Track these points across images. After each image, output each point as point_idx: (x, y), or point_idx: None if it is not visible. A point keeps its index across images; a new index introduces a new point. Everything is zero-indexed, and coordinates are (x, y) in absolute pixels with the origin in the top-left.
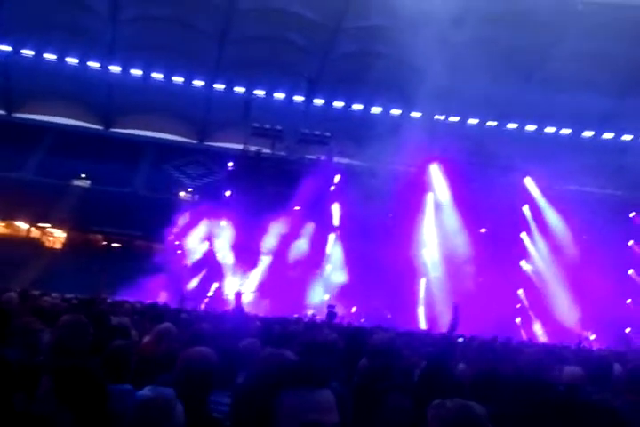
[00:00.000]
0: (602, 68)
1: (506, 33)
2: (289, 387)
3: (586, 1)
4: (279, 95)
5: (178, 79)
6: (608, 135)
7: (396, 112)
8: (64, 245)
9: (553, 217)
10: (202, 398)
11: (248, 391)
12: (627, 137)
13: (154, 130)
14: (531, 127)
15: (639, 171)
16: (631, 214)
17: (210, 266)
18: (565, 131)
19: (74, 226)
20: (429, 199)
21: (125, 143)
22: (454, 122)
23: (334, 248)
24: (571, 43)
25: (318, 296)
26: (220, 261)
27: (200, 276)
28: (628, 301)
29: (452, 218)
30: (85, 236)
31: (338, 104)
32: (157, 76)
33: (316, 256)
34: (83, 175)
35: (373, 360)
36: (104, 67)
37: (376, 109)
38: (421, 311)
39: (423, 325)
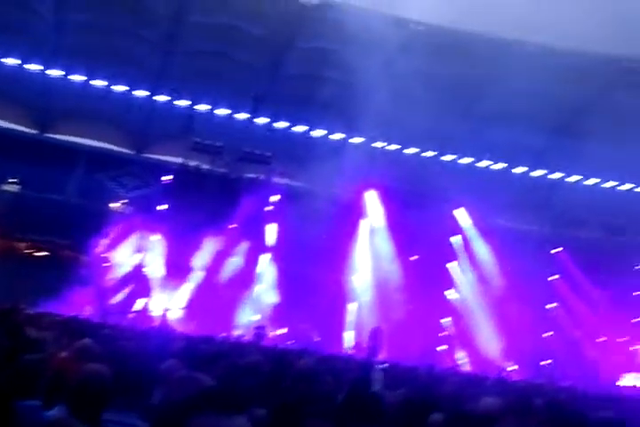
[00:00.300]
0: (538, 108)
1: (448, 66)
2: (201, 412)
3: (529, 42)
4: (223, 111)
5: (120, 88)
6: (538, 172)
7: (337, 136)
8: None
9: (481, 249)
10: (93, 417)
11: (161, 414)
12: (556, 175)
13: (91, 138)
14: (466, 160)
15: (564, 208)
16: (553, 251)
17: (138, 281)
18: (498, 165)
19: None
20: (364, 225)
21: (60, 149)
22: (393, 150)
23: (267, 269)
24: (509, 80)
25: (247, 316)
26: (149, 276)
27: (127, 290)
28: (548, 334)
29: (384, 244)
30: (9, 243)
31: (281, 124)
32: (99, 83)
33: (249, 276)
34: (13, 180)
35: (296, 384)
36: (45, 70)
37: (319, 132)
38: (349, 336)
39: (350, 349)
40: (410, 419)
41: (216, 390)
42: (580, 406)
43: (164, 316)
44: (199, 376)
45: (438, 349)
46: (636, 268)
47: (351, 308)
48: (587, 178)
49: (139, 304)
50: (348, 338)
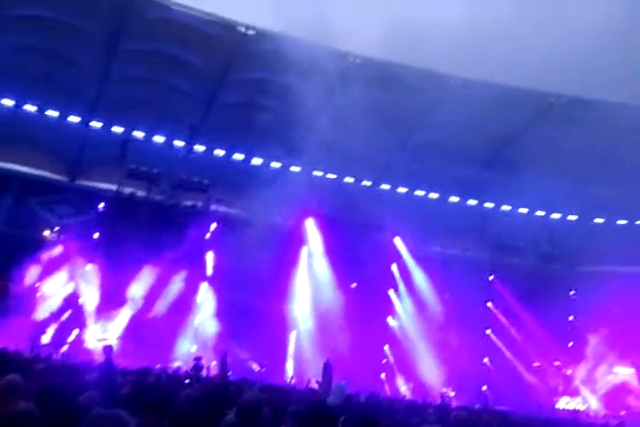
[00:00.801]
0: (468, 139)
1: (384, 97)
2: None
3: (462, 78)
4: (159, 139)
5: (52, 113)
6: (472, 202)
7: (276, 164)
8: None
9: (419, 276)
10: None
11: None
12: (489, 204)
13: (21, 163)
14: (402, 189)
15: (499, 236)
16: (490, 277)
17: (71, 311)
18: (433, 195)
19: None
20: (304, 253)
21: None
22: (332, 178)
23: (206, 298)
24: (441, 111)
25: (186, 347)
26: (83, 306)
27: (60, 321)
28: (485, 359)
29: (324, 272)
30: None
31: (219, 152)
32: (30, 108)
33: (188, 305)
34: None
35: (245, 418)
36: None
37: (257, 160)
38: (290, 365)
39: (290, 379)
40: None
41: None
42: None
43: (107, 352)
44: (119, 413)
45: (380, 376)
46: (571, 293)
47: (291, 337)
48: (518, 207)
49: (72, 336)
50: (289, 368)
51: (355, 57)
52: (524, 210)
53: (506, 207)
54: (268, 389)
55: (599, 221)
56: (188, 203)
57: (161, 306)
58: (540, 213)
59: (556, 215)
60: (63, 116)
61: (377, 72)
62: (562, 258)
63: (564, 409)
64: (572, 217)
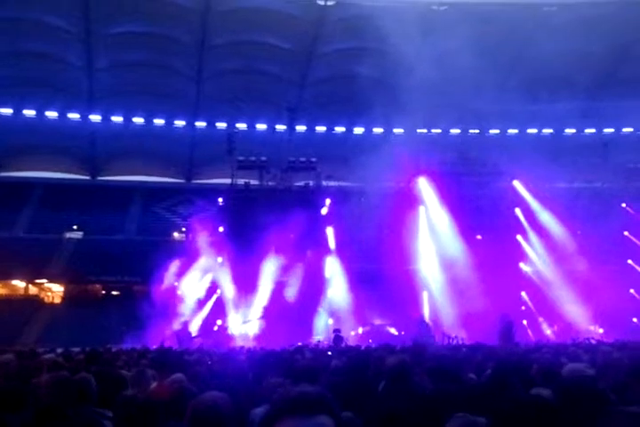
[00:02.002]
0: (577, 66)
1: (480, 40)
2: (285, 416)
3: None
4: (261, 126)
5: (159, 121)
6: (590, 130)
7: (378, 130)
8: (63, 298)
9: (545, 216)
10: None
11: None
12: (608, 130)
13: (140, 174)
14: (513, 131)
15: (624, 161)
16: (623, 204)
17: (211, 303)
18: (547, 130)
19: (71, 279)
20: (422, 212)
21: (113, 190)
22: (437, 133)
23: (334, 271)
24: (544, 43)
25: (323, 321)
26: (221, 297)
27: (202, 314)
28: (632, 290)
29: (446, 228)
30: (84, 287)
31: (320, 129)
32: (138, 120)
33: (317, 282)
34: (74, 227)
35: (394, 384)
36: (84, 117)
37: (359, 130)
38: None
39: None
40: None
41: (294, 395)
42: None
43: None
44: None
45: (522, 323)
46: None
47: (424, 297)
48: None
49: (216, 326)
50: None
51: (439, 4)
52: None
53: (627, 130)
54: (408, 350)
55: None
56: (300, 183)
57: (293, 285)
58: None
59: None
60: (169, 122)
61: (464, 16)
62: None
63: None
64: None
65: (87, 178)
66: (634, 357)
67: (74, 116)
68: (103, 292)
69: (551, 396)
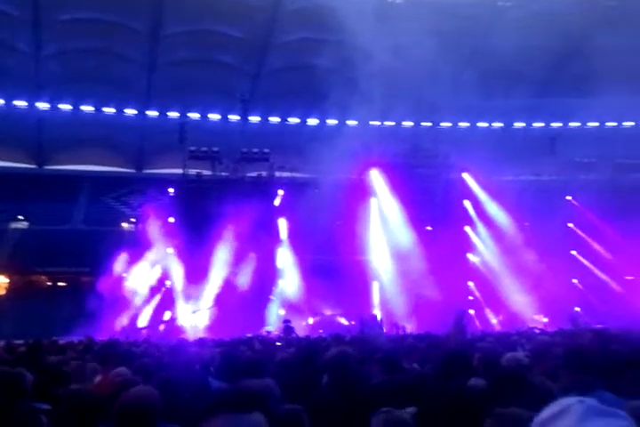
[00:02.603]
0: (529, 61)
1: (434, 32)
2: (217, 413)
3: None
4: (214, 116)
5: (109, 110)
6: (538, 124)
7: (332, 122)
8: (7, 290)
9: (493, 208)
10: None
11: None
12: (556, 124)
13: (89, 163)
14: (464, 124)
15: (571, 155)
16: (568, 197)
17: (159, 295)
18: (497, 124)
19: (16, 270)
20: (373, 204)
21: (61, 180)
22: (390, 126)
23: (286, 262)
24: (498, 37)
25: (274, 312)
26: (170, 288)
27: (150, 306)
28: (575, 280)
29: (397, 219)
30: (29, 278)
31: (274, 120)
32: (87, 108)
33: (268, 272)
34: (20, 217)
35: (333, 376)
36: (31, 104)
37: (312, 121)
38: (378, 315)
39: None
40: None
41: (227, 392)
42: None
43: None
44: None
45: (470, 312)
46: None
47: (375, 287)
48: (586, 122)
49: (166, 317)
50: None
51: None
52: (593, 123)
53: (574, 124)
54: (356, 341)
55: None
56: (253, 174)
57: (243, 276)
58: (610, 123)
59: (628, 123)
60: (119, 111)
61: (420, 9)
62: (638, 166)
63: None
64: None
65: (33, 167)
66: (569, 345)
67: (20, 103)
68: (49, 283)
69: (485, 386)
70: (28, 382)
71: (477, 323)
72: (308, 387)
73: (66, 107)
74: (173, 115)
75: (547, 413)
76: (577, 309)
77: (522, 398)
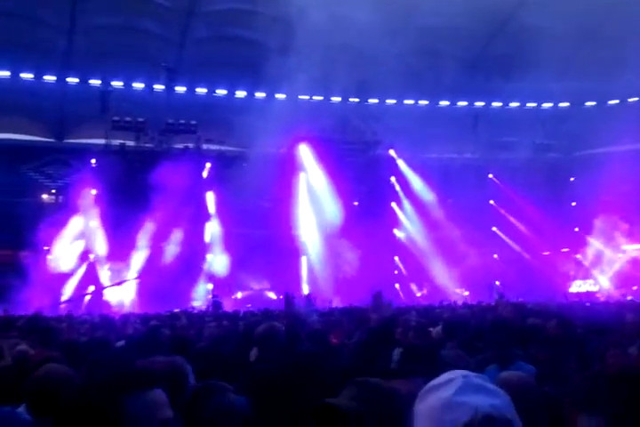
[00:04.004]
0: (455, 40)
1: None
2: (132, 393)
3: None
4: (138, 85)
5: (26, 76)
6: (462, 103)
7: (260, 95)
8: None
9: (418, 185)
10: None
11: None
12: (479, 103)
13: (5, 131)
14: (391, 101)
15: (493, 134)
16: (490, 175)
17: (84, 268)
18: (423, 102)
19: None
20: (302, 179)
21: None
22: (318, 100)
23: (213, 236)
24: (424, 14)
25: (202, 287)
26: (95, 261)
27: (74, 279)
28: (495, 256)
29: (325, 194)
30: None
31: (201, 91)
32: (4, 74)
33: (196, 246)
34: None
35: (264, 351)
36: None
37: (240, 93)
38: (305, 290)
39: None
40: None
41: (135, 370)
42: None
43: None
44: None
45: (395, 286)
46: (571, 180)
47: (303, 262)
48: (508, 103)
49: (89, 290)
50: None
51: None
52: (514, 104)
53: (496, 104)
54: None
55: (591, 104)
56: (180, 146)
57: (170, 250)
58: (530, 104)
59: (547, 105)
60: (38, 76)
61: None
62: (557, 147)
63: (577, 293)
64: (564, 104)
65: None
66: (488, 319)
67: None
68: None
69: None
70: None
71: (402, 296)
72: (235, 363)
73: None
74: (95, 82)
75: (432, 383)
76: (497, 282)
77: (432, 372)
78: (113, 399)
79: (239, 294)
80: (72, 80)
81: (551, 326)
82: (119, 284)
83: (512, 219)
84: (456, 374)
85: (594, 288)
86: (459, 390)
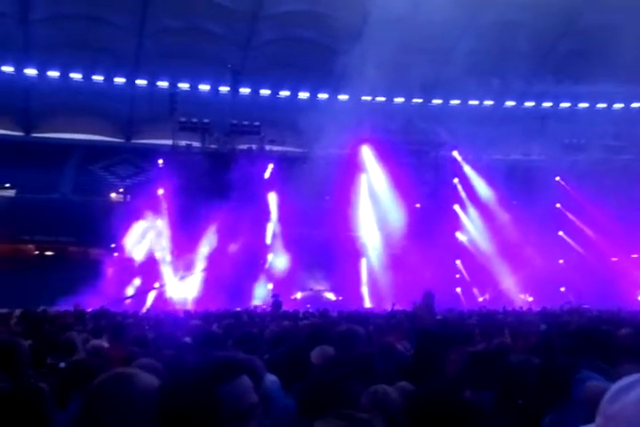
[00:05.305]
0: (520, 39)
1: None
2: (224, 380)
3: None
4: (204, 87)
5: (98, 78)
6: (529, 104)
7: (323, 96)
8: None
9: (482, 187)
10: None
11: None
12: (547, 104)
13: (77, 132)
14: (455, 102)
15: (561, 135)
16: (557, 178)
17: (149, 267)
18: (488, 102)
19: (2, 238)
20: (363, 180)
21: (49, 148)
22: (381, 101)
23: (275, 237)
24: (489, 15)
25: (262, 286)
26: (160, 260)
27: (140, 277)
28: (561, 261)
29: (387, 196)
30: (16, 246)
31: (265, 92)
32: (76, 76)
33: (258, 247)
34: (6, 184)
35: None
36: (19, 71)
37: (303, 95)
38: (365, 291)
39: (368, 304)
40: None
41: (225, 359)
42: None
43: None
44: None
45: (456, 290)
46: None
47: (363, 263)
48: (577, 103)
49: (153, 290)
50: (365, 294)
51: None
52: (584, 105)
53: (565, 105)
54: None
55: None
56: (243, 147)
57: (233, 250)
58: (601, 105)
59: (618, 105)
60: (109, 79)
61: None
62: (629, 148)
63: None
64: (635, 104)
65: (21, 134)
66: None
67: (8, 69)
68: (36, 252)
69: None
70: (25, 350)
71: (463, 300)
72: (299, 363)
73: (54, 73)
74: (163, 84)
75: (624, 381)
76: (562, 289)
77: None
78: (208, 390)
79: (298, 295)
80: (141, 82)
81: (623, 335)
82: (183, 278)
83: (579, 223)
84: None
85: None
86: None
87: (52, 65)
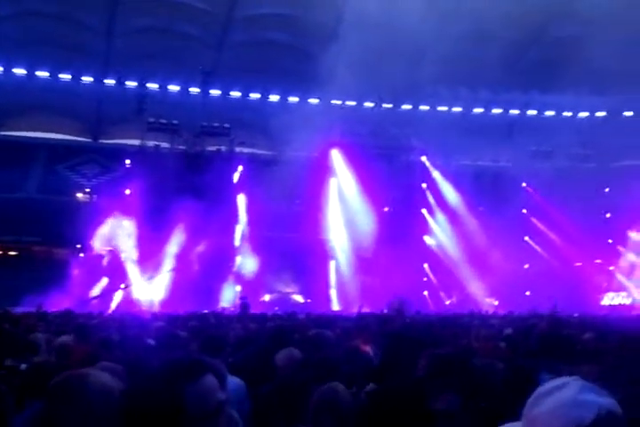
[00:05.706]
0: (489, 47)
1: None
2: (190, 379)
3: None
4: (174, 88)
5: (65, 76)
6: (497, 111)
7: (294, 99)
8: None
9: (450, 192)
10: None
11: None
12: (514, 111)
13: (44, 130)
14: (424, 107)
15: (528, 142)
16: (523, 184)
17: (116, 267)
18: (457, 109)
19: None
20: (333, 183)
21: (13, 146)
22: (351, 106)
23: (243, 239)
24: (457, 23)
25: (230, 289)
26: (126, 261)
27: (107, 278)
28: (526, 266)
29: (355, 199)
30: None
31: (235, 94)
32: (42, 74)
33: (226, 249)
34: None
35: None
36: None
37: (274, 97)
38: (333, 294)
39: (336, 306)
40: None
41: (190, 360)
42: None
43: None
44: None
45: (423, 293)
46: (606, 191)
47: (331, 266)
48: (544, 111)
49: (119, 291)
50: (333, 297)
51: None
52: (550, 113)
53: (532, 113)
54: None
55: (628, 114)
56: (212, 148)
57: (201, 251)
58: (567, 114)
59: (583, 114)
60: (76, 77)
61: None
62: (594, 157)
63: (609, 305)
64: (600, 113)
65: None
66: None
67: None
68: (0, 252)
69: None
70: None
71: (430, 304)
72: (264, 365)
73: (20, 71)
74: (132, 84)
75: (547, 386)
76: (528, 293)
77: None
78: (174, 389)
79: (267, 297)
80: (109, 81)
81: (587, 339)
82: (150, 279)
83: (545, 229)
84: (568, 379)
85: (627, 301)
86: (580, 389)
87: (17, 62)
